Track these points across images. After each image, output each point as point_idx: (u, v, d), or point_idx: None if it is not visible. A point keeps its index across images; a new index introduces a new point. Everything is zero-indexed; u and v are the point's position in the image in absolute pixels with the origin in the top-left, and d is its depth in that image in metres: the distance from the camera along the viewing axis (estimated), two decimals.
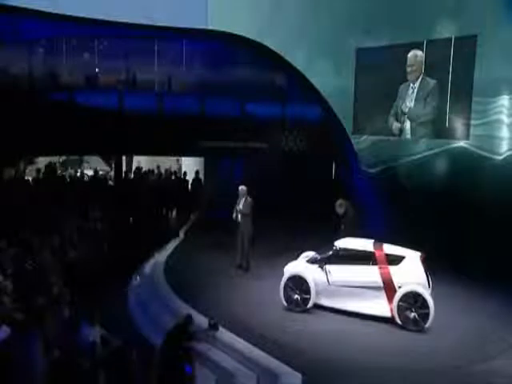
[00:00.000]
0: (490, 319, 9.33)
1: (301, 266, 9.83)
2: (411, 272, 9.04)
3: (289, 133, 17.98)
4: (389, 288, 9.00)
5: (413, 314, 8.79)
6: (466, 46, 11.66)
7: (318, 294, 9.43)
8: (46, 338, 6.10)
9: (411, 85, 12.94)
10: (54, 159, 19.81)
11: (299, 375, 7.14)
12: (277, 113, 17.92)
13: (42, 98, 16.60)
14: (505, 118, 11.35)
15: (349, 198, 11.97)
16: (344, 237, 10.15)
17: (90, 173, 20.19)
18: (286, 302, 9.56)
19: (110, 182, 18.80)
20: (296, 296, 9.50)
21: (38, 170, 16.84)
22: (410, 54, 12.80)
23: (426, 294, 8.78)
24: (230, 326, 8.58)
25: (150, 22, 14.70)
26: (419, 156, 12.92)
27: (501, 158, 11.40)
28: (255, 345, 8.04)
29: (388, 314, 9.03)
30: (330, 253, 9.59)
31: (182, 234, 15.12)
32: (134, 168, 19.36)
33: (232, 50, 17.20)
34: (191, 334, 6.85)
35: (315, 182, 16.77)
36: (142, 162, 20.58)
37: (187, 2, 14.68)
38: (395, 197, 13.10)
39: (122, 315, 9.33)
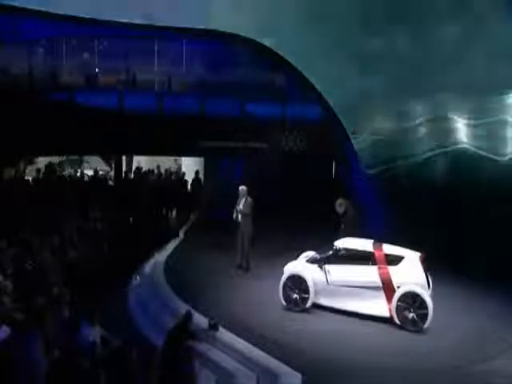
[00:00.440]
0: (490, 319, 9.34)
1: (300, 265, 9.85)
2: (410, 272, 9.05)
3: (289, 133, 17.99)
4: (388, 288, 9.01)
5: (411, 315, 8.80)
6: None
7: (316, 293, 9.44)
8: (46, 338, 6.10)
9: None
10: (54, 159, 19.78)
11: (299, 375, 7.14)
12: (277, 113, 17.93)
13: (42, 98, 16.63)
14: (508, 118, 11.35)
15: (349, 197, 11.98)
16: (344, 236, 10.17)
17: (90, 173, 20.15)
18: (285, 301, 9.58)
19: (110, 182, 18.78)
20: (295, 295, 9.51)
21: (38, 170, 16.81)
22: None
23: (425, 295, 8.78)
24: (229, 326, 8.60)
25: (150, 22, 14.70)
26: (419, 156, 12.93)
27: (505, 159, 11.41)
28: (255, 345, 8.04)
29: (387, 314, 9.04)
30: (330, 253, 9.61)
31: (181, 234, 15.10)
32: (134, 168, 19.36)
33: (232, 50, 17.19)
34: (192, 331, 6.86)
35: (315, 181, 16.78)
36: (142, 161, 20.57)
37: (187, 2, 14.66)
38: (395, 197, 13.10)
39: (121, 315, 9.33)
